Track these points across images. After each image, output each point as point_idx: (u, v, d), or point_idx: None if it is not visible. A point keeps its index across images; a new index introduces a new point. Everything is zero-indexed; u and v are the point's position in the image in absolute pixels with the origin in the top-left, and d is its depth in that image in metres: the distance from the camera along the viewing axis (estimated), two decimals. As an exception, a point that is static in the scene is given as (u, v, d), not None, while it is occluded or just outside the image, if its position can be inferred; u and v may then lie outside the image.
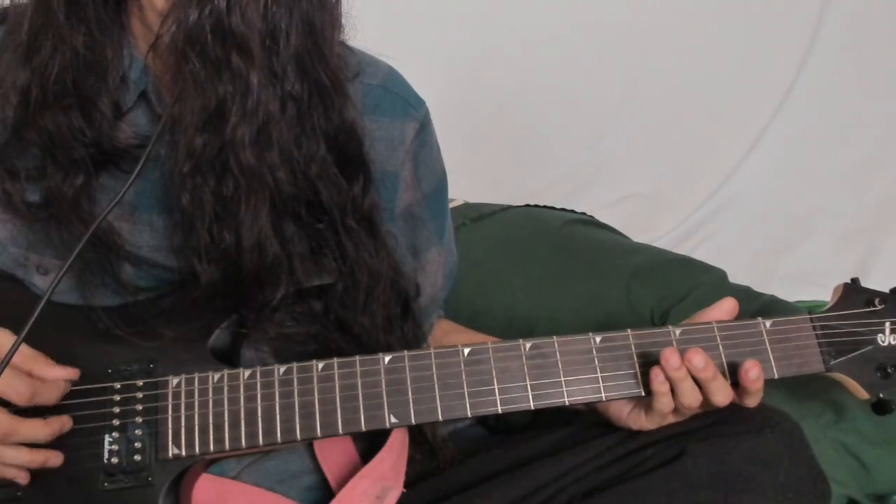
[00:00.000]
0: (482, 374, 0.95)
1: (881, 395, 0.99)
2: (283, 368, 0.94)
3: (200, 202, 0.89)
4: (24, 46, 0.90)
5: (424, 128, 1.08)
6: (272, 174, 0.90)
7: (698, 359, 0.93)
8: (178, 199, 0.90)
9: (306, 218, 0.95)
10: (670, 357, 0.93)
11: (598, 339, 0.97)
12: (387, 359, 0.95)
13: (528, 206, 1.89)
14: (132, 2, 0.92)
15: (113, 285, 0.96)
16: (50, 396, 0.89)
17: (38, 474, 0.91)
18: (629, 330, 0.98)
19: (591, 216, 1.87)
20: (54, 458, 0.90)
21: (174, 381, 0.94)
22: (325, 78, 0.91)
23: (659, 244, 2.11)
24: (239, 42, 0.84)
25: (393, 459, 1.04)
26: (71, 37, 0.89)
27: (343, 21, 0.94)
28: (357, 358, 0.95)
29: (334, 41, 0.93)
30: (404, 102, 1.07)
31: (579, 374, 0.96)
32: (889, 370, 0.98)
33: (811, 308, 1.67)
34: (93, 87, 0.91)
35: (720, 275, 1.65)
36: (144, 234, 0.98)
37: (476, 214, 1.75)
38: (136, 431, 0.92)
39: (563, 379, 0.96)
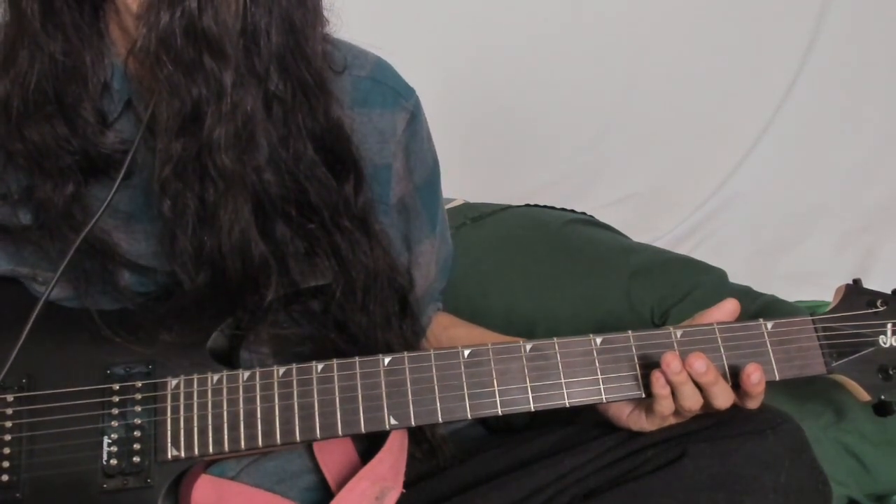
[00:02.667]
0: (482, 375, 0.95)
1: (882, 397, 0.98)
2: (282, 370, 0.94)
3: (182, 208, 0.88)
4: (1, 57, 0.89)
5: (415, 117, 1.07)
6: (257, 175, 0.89)
7: (700, 363, 0.93)
8: (160, 205, 0.89)
9: (297, 219, 0.95)
10: (671, 361, 0.93)
11: (598, 340, 0.97)
12: (386, 360, 0.95)
13: (528, 206, 1.89)
14: (109, 6, 0.91)
15: (112, 292, 0.96)
16: None
17: (37, 476, 0.91)
18: (630, 331, 0.97)
19: (591, 216, 1.87)
20: None
21: (173, 382, 0.94)
22: (309, 77, 0.90)
23: (659, 244, 2.11)
24: (211, 43, 0.83)
25: (392, 460, 1.03)
26: (48, 44, 0.88)
27: (327, 15, 0.94)
28: (356, 359, 0.94)
29: (317, 38, 0.92)
30: (394, 93, 1.05)
31: (580, 375, 0.96)
32: (890, 372, 0.98)
33: (811, 308, 1.67)
34: (74, 94, 0.90)
35: (720, 275, 1.65)
36: (141, 241, 0.98)
37: (476, 214, 1.75)
38: (136, 433, 0.92)
39: (563, 381, 0.96)
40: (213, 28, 0.83)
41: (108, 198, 0.88)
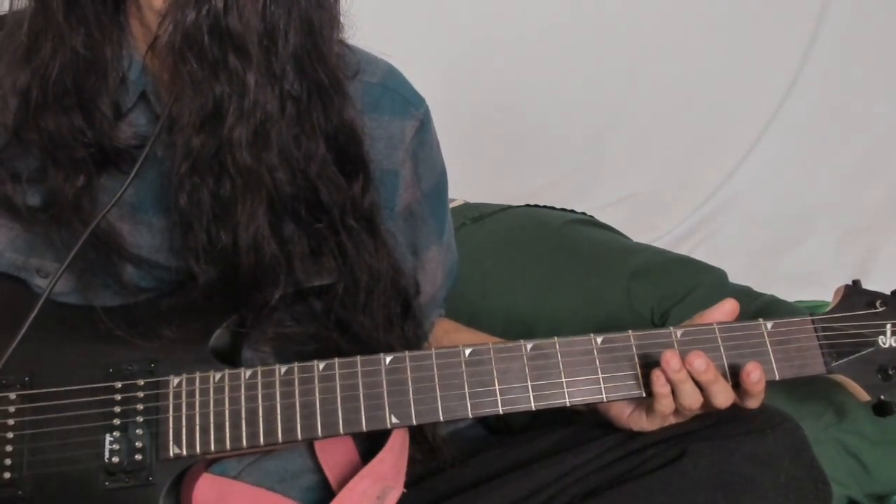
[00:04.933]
0: (483, 374, 0.95)
1: (882, 397, 0.99)
2: (284, 368, 0.94)
3: (198, 202, 0.89)
4: (24, 48, 0.90)
5: (424, 126, 1.08)
6: (270, 174, 0.89)
7: (699, 362, 0.93)
8: (176, 199, 0.90)
9: (306, 217, 0.95)
10: (671, 359, 0.93)
11: (599, 339, 0.97)
12: (388, 359, 0.95)
13: (528, 206, 1.89)
14: (131, 2, 0.92)
15: (114, 286, 0.96)
16: None
17: (39, 474, 0.91)
18: (630, 331, 0.98)
19: (591, 216, 1.87)
20: None
21: (175, 380, 0.94)
22: (325, 77, 0.91)
23: (659, 244, 2.11)
24: (236, 42, 0.84)
25: (393, 460, 1.04)
26: (70, 37, 0.88)
27: (342, 20, 0.94)
28: (358, 358, 0.95)
29: (333, 40, 0.92)
30: (404, 101, 1.06)
31: (580, 374, 0.96)
32: (890, 372, 0.98)
33: (811, 308, 1.67)
34: (93, 87, 0.91)
35: (720, 275, 1.65)
36: (145, 234, 0.98)
37: (476, 214, 1.75)
38: (137, 431, 0.92)
39: (563, 380, 0.96)
40: (237, 27, 0.84)
41: (120, 192, 0.89)
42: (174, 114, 0.88)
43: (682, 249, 2.24)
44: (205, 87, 0.85)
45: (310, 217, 0.95)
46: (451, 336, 1.21)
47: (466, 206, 1.80)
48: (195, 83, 0.85)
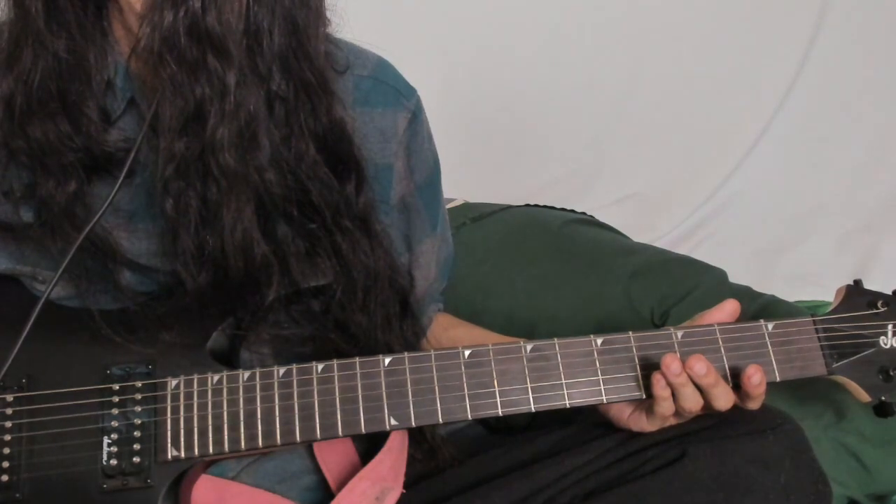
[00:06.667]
0: (482, 376, 0.95)
1: (883, 398, 0.99)
2: (282, 370, 0.94)
3: (185, 207, 0.89)
4: (6, 54, 0.90)
5: (416, 117, 1.08)
6: (259, 175, 0.89)
7: (700, 366, 0.93)
8: (162, 204, 0.89)
9: (298, 218, 0.95)
10: (671, 363, 0.93)
11: (599, 341, 0.97)
12: (387, 360, 0.95)
13: (528, 206, 1.89)
14: (112, 5, 0.92)
15: (112, 291, 0.96)
16: None
17: (37, 477, 0.91)
18: (630, 332, 0.97)
19: (591, 216, 1.87)
20: None
21: (173, 382, 0.94)
22: (311, 76, 0.90)
23: (659, 244, 2.11)
24: (215, 43, 0.83)
25: (392, 460, 1.03)
26: (52, 42, 0.88)
27: (329, 15, 0.94)
28: (357, 359, 0.95)
29: (319, 38, 0.92)
30: (395, 92, 1.06)
31: (580, 376, 0.96)
32: (891, 373, 0.98)
33: (812, 308, 1.66)
34: (77, 92, 0.90)
35: (720, 275, 1.65)
36: (143, 241, 0.98)
37: (476, 214, 1.75)
38: (136, 433, 0.92)
39: (563, 381, 0.96)
40: (216, 28, 0.83)
41: (111, 196, 0.88)
42: (159, 116, 0.87)
43: (682, 249, 2.23)
44: (185, 89, 0.84)
45: (302, 218, 0.95)
46: (449, 332, 1.21)
47: (466, 206, 1.80)
48: (175, 85, 0.84)
